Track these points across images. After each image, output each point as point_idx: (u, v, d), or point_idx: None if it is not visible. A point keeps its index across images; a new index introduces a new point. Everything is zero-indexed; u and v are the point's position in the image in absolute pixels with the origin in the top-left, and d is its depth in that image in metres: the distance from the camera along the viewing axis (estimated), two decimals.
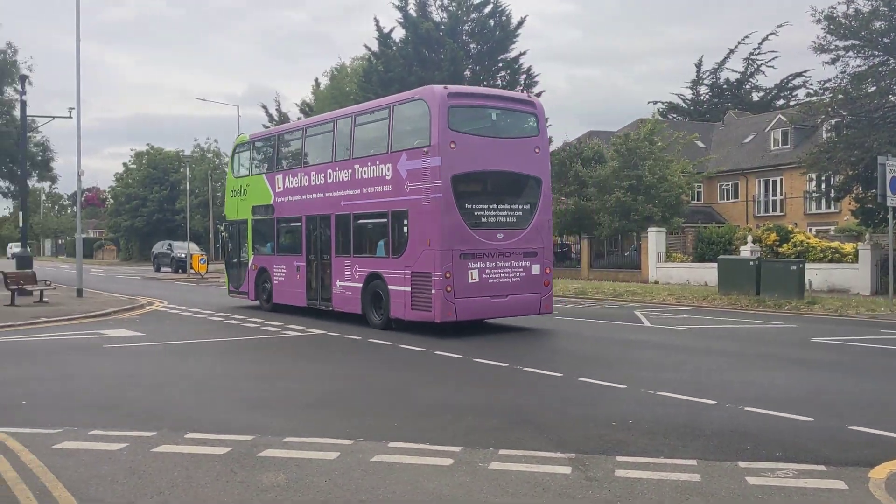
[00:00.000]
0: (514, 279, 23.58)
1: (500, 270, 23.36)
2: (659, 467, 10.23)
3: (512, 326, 25.68)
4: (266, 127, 75.51)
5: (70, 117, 42.28)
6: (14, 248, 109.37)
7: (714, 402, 13.80)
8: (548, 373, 16.80)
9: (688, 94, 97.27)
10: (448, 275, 22.61)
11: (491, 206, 23.47)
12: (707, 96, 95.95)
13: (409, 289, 23.43)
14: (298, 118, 75.87)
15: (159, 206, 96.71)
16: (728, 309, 32.20)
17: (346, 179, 26.10)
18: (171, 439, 11.53)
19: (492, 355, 19.20)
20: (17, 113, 48.22)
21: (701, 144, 72.57)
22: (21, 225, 40.76)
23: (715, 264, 41.24)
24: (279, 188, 29.68)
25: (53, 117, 46.61)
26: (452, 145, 22.56)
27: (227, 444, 11.25)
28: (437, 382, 15.86)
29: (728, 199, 70.07)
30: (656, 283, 47.65)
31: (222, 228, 37.16)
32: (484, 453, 10.77)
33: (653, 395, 14.43)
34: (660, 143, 53.28)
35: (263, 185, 30.66)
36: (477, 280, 23.00)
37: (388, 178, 24.16)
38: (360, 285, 25.44)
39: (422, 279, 23.10)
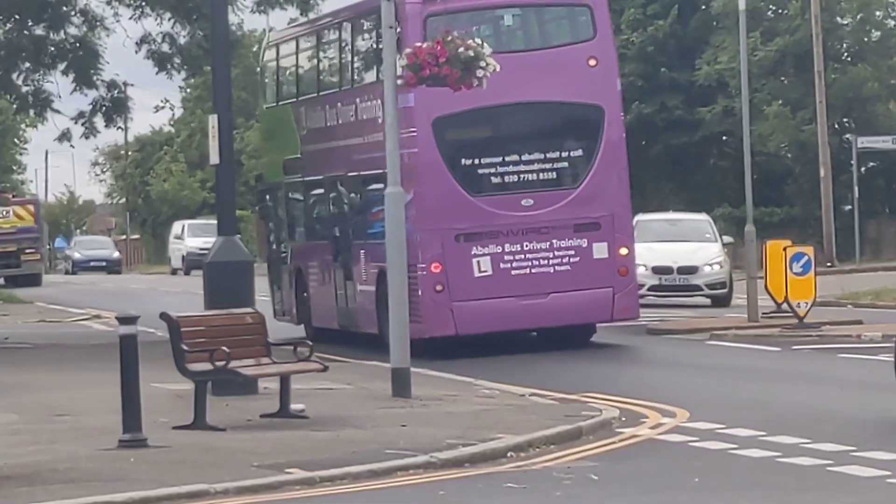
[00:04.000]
0: (559, 268, 16.95)
1: (530, 256, 16.97)
2: None
3: None
4: None
5: None
6: (192, 237, 51.57)
7: None
8: None
9: None
10: (436, 267, 16.44)
11: (508, 159, 17.22)
12: None
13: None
14: None
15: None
16: None
17: (351, 119, 19.60)
18: None
19: None
20: None
21: None
22: (218, 162, 13.71)
23: None
24: (303, 129, 22.02)
25: None
26: None
27: None
28: None
29: None
30: None
31: None
32: None
33: None
34: None
35: (289, 122, 22.32)
36: (489, 272, 16.77)
37: (380, 120, 17.69)
38: (374, 288, 18.22)
39: (410, 276, 16.49)
